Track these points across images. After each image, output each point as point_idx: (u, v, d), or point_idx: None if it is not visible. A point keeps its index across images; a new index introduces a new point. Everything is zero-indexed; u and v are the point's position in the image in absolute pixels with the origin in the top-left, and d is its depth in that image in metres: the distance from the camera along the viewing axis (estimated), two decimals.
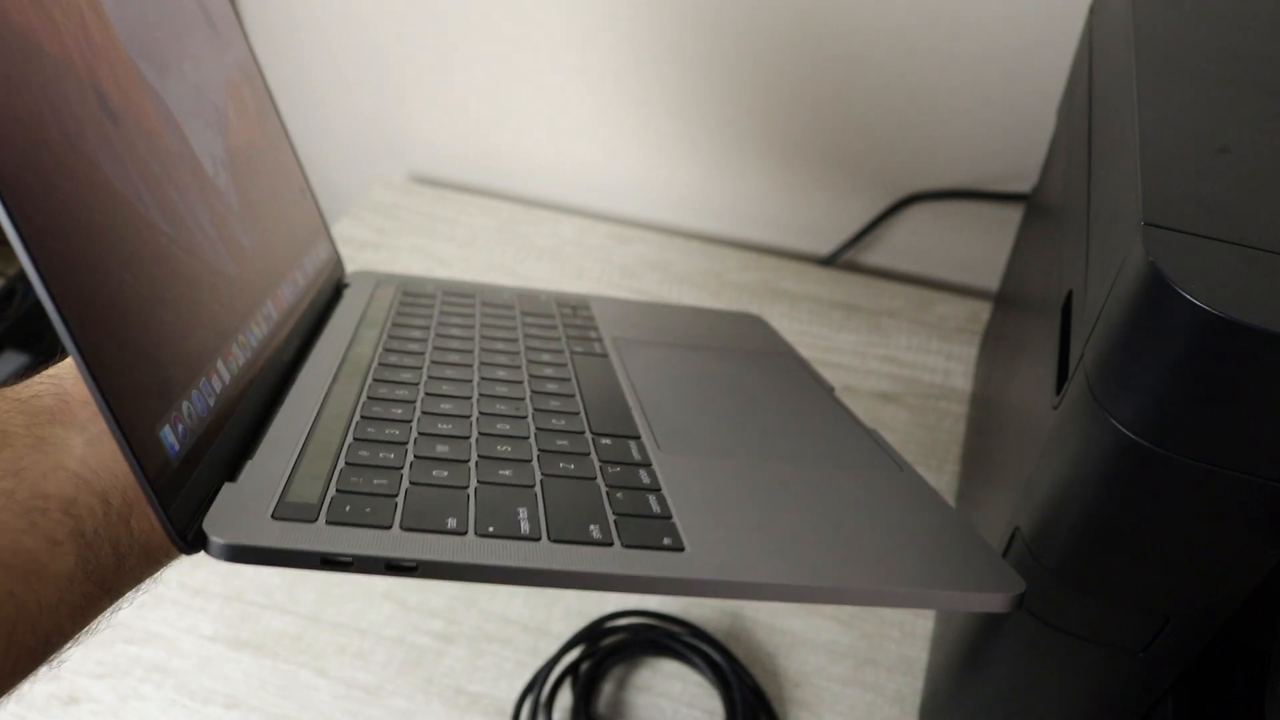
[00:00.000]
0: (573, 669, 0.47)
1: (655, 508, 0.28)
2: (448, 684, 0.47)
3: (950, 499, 0.58)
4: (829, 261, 0.80)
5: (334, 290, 0.44)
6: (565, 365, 0.40)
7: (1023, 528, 0.32)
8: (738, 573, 0.26)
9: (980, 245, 0.76)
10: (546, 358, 0.41)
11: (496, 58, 0.80)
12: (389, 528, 0.25)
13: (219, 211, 0.31)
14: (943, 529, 0.31)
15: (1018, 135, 0.70)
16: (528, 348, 0.42)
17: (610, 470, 0.31)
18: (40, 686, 0.45)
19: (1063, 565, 0.30)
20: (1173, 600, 0.29)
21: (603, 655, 0.47)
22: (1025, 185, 0.72)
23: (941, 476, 0.60)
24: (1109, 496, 0.28)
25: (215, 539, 0.23)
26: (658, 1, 0.73)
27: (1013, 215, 0.74)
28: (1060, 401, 0.30)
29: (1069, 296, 0.33)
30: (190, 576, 0.51)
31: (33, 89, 0.22)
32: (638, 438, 0.34)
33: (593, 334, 0.45)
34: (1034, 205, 0.57)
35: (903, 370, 0.68)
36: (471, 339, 0.42)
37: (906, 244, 0.79)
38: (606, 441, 0.33)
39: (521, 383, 0.37)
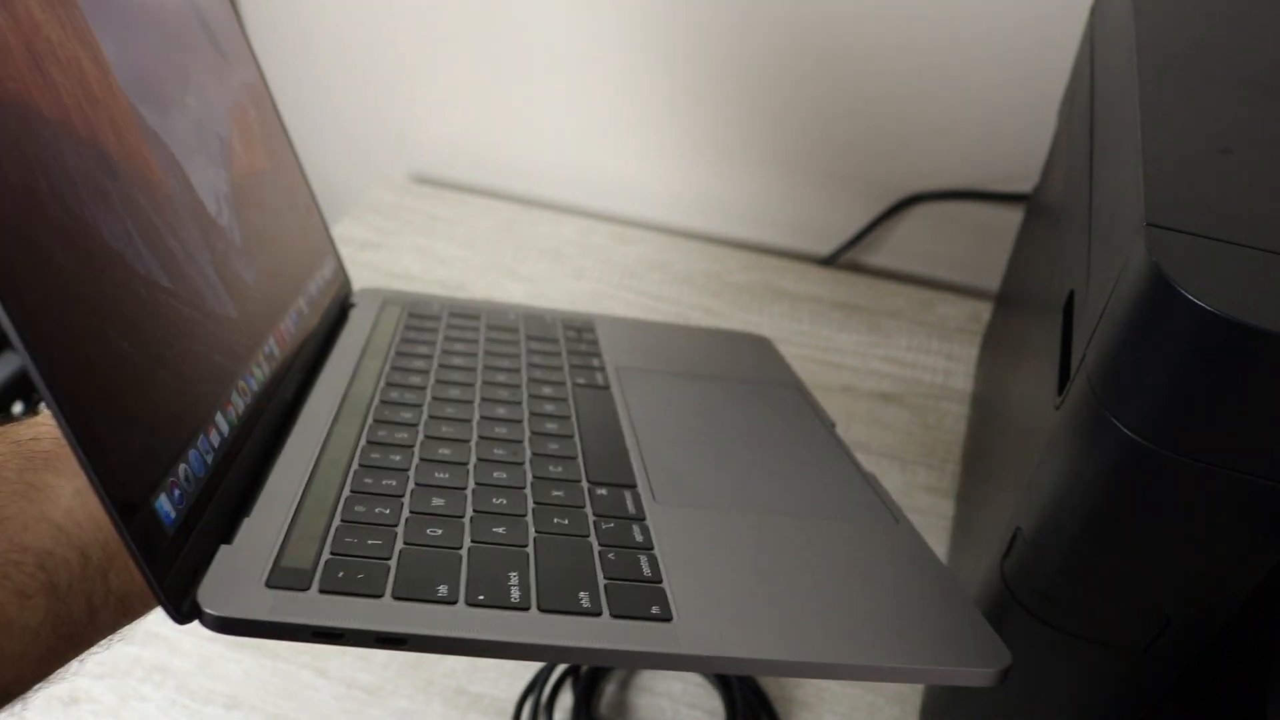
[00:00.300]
0: (573, 669, 0.47)
1: (646, 570, 0.29)
2: (448, 684, 0.47)
3: (951, 499, 0.59)
4: (830, 261, 0.80)
5: (340, 310, 0.43)
6: (566, 400, 0.41)
7: (1024, 528, 0.32)
8: (725, 648, 0.26)
9: (981, 246, 0.76)
10: (548, 391, 0.41)
11: (497, 58, 0.80)
12: (381, 596, 0.25)
13: (221, 251, 0.31)
14: (933, 594, 0.31)
15: (1019, 135, 0.70)
16: (530, 379, 0.42)
17: (604, 526, 0.31)
18: (40, 686, 0.45)
19: (1064, 565, 0.30)
20: (1174, 600, 0.29)
21: None
22: (1026, 185, 0.72)
23: (942, 477, 0.60)
24: (1110, 497, 0.28)
25: (209, 611, 0.23)
26: (658, 2, 0.73)
27: (1014, 215, 0.74)
28: (1062, 402, 0.30)
29: (1070, 297, 0.33)
30: None
31: (29, 161, 0.21)
32: (633, 487, 0.34)
33: (596, 362, 0.46)
34: (1035, 205, 0.57)
35: (903, 370, 0.68)
36: (474, 369, 0.42)
37: (907, 244, 0.79)
38: (602, 492, 0.33)
39: (521, 422, 0.38)
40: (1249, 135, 0.31)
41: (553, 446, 0.36)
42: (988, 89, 0.69)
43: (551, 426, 0.38)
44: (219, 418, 0.28)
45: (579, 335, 0.48)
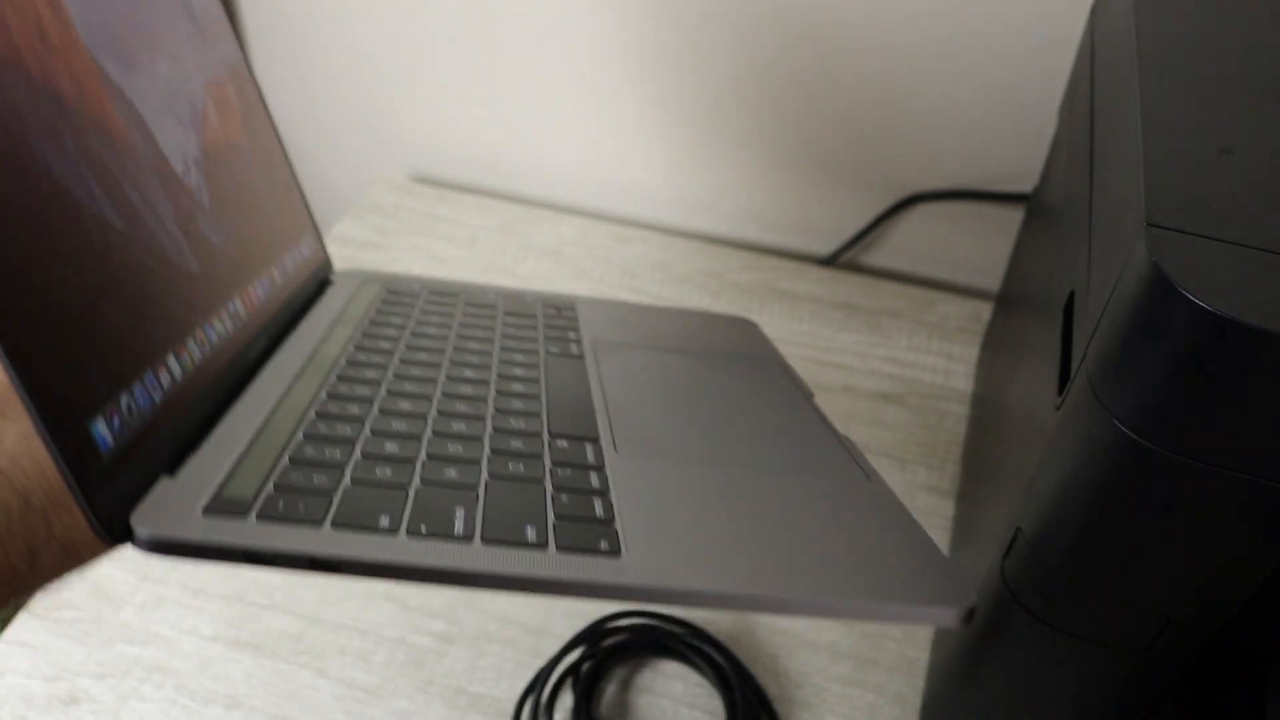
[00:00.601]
0: (574, 669, 0.47)
1: (599, 511, 0.28)
2: (448, 684, 0.47)
3: (951, 500, 0.58)
4: (829, 261, 0.80)
5: (317, 288, 0.43)
6: (536, 366, 0.40)
7: (1024, 528, 0.32)
8: (672, 580, 0.25)
9: (981, 245, 0.76)
10: (519, 358, 0.40)
11: (497, 58, 0.80)
12: (320, 524, 0.25)
13: (185, 208, 0.32)
14: (899, 540, 0.30)
15: (1019, 135, 0.70)
16: (502, 348, 0.41)
17: (560, 472, 0.30)
18: (40, 686, 0.45)
19: (1064, 565, 0.30)
20: (1174, 601, 0.29)
21: (604, 656, 0.47)
22: (1027, 185, 0.72)
23: (942, 476, 0.60)
24: (1111, 497, 0.28)
25: (140, 530, 0.23)
26: (659, 2, 0.73)
27: (1014, 215, 0.74)
28: (1062, 402, 0.30)
29: (1071, 297, 0.33)
30: (191, 577, 0.51)
31: None
32: (595, 440, 0.33)
33: (572, 335, 0.45)
34: (1035, 205, 0.57)
35: (903, 370, 0.68)
36: (446, 339, 0.41)
37: (907, 244, 0.79)
38: (563, 444, 0.33)
39: (487, 383, 0.37)
40: (1249, 135, 0.31)
41: (517, 404, 0.36)
42: (988, 89, 0.69)
43: (519, 388, 0.37)
44: (171, 360, 0.28)
45: (558, 313, 0.47)
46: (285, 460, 0.28)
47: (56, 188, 0.25)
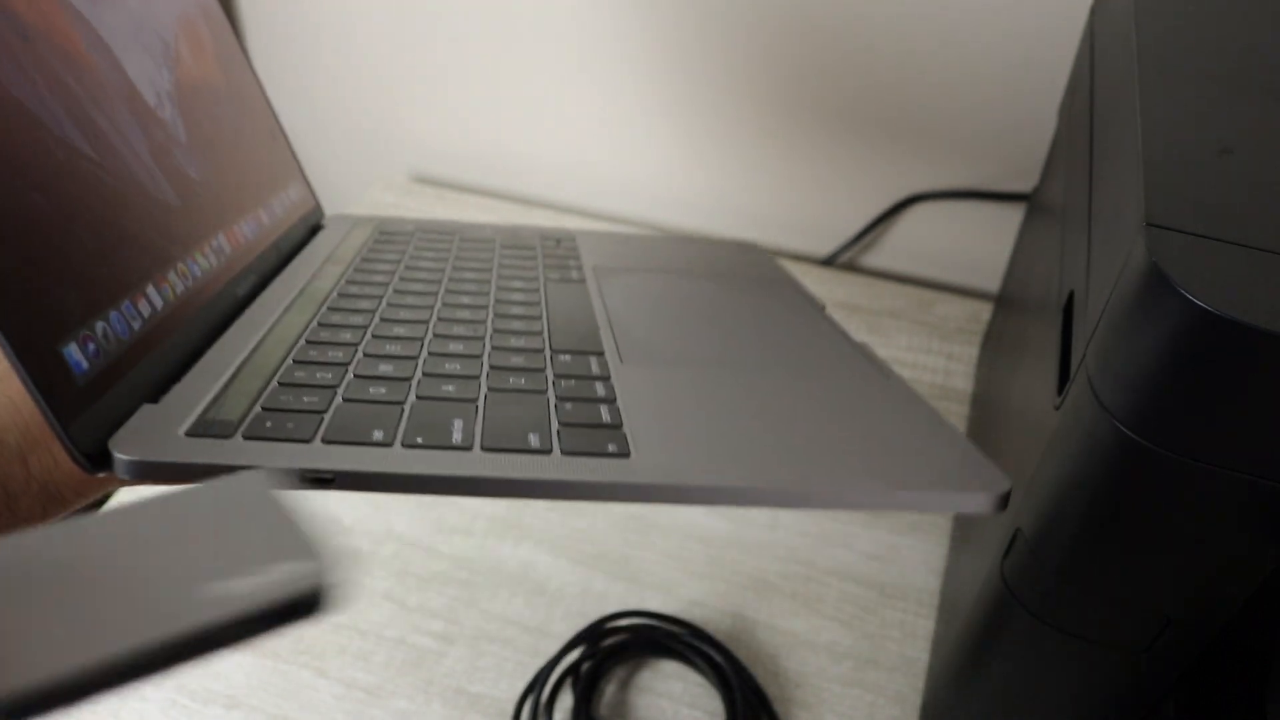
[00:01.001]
0: (573, 669, 0.47)
1: (606, 418, 0.27)
2: (448, 684, 0.47)
3: None
4: (829, 262, 0.80)
5: (308, 233, 0.43)
6: (536, 291, 0.39)
7: (1024, 528, 0.32)
8: (684, 476, 0.24)
9: (981, 245, 0.76)
10: (518, 284, 0.39)
11: (497, 58, 0.80)
12: (310, 441, 0.24)
13: (160, 141, 0.31)
14: (923, 430, 0.29)
15: (1019, 135, 0.70)
16: (500, 276, 0.40)
17: (564, 384, 0.29)
18: None
19: (1064, 565, 0.30)
20: (1174, 600, 0.29)
21: (603, 656, 0.47)
22: (1026, 185, 0.72)
23: None
24: (1110, 497, 0.28)
25: (119, 456, 0.22)
26: (659, 3, 0.73)
27: (1014, 215, 0.74)
28: (1062, 402, 0.30)
29: (1070, 297, 0.33)
30: None
31: None
32: (600, 354, 0.32)
33: (572, 263, 0.44)
34: (1035, 205, 0.57)
35: (903, 370, 0.68)
36: (441, 270, 0.40)
37: (907, 244, 0.79)
38: (566, 358, 0.32)
39: (485, 308, 0.36)
40: (1249, 135, 0.31)
41: (517, 325, 0.35)
42: (988, 88, 0.69)
43: (517, 310, 0.36)
44: (151, 290, 0.28)
45: (558, 244, 0.47)
46: (274, 384, 0.27)
47: (16, 107, 0.24)
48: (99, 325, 0.25)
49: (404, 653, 0.48)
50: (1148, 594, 0.30)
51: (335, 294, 0.36)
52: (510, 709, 0.46)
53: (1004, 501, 0.25)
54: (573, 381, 0.30)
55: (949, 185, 0.75)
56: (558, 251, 0.45)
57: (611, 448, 0.25)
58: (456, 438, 0.25)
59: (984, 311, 0.74)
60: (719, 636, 0.49)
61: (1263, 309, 0.22)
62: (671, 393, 0.29)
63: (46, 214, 0.24)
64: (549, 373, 0.30)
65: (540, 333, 0.34)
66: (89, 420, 0.23)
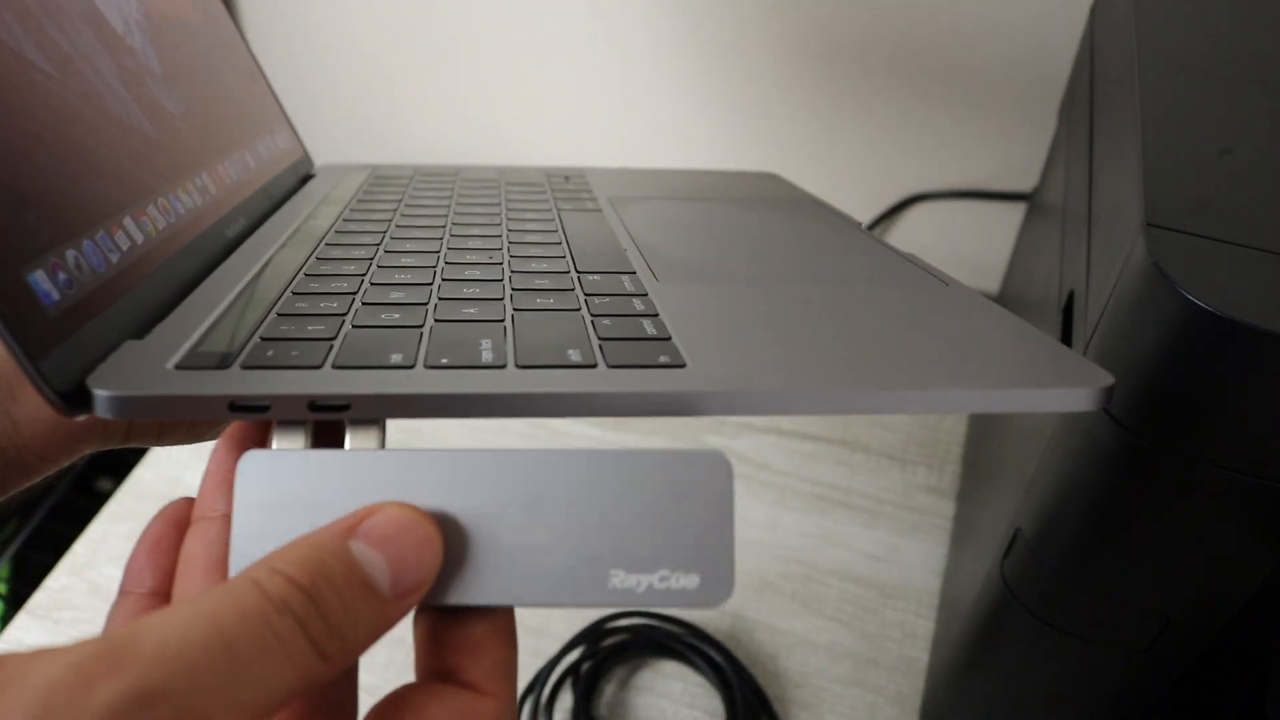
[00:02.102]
0: (573, 669, 0.47)
1: (650, 331, 0.24)
2: None
3: (951, 500, 0.58)
4: None
5: (299, 181, 0.42)
6: (552, 220, 0.36)
7: (1024, 528, 0.32)
8: (753, 382, 0.21)
9: (981, 245, 0.76)
10: (530, 215, 0.37)
11: (498, 59, 0.80)
12: (318, 368, 0.21)
13: (131, 69, 0.30)
14: (1002, 330, 0.25)
15: (1019, 135, 0.70)
16: (510, 209, 0.38)
17: (597, 301, 0.27)
18: None
19: (1064, 565, 0.30)
20: (1174, 601, 0.29)
21: (603, 656, 0.47)
22: (1026, 185, 0.72)
23: (943, 477, 0.60)
24: (1110, 497, 0.28)
25: (99, 392, 0.20)
26: (659, 4, 0.73)
27: (1014, 215, 0.74)
28: None
29: (1070, 297, 0.33)
30: None
31: None
32: (632, 273, 0.29)
33: (586, 195, 0.41)
34: (1035, 205, 0.57)
35: None
36: (446, 205, 0.38)
37: (907, 244, 0.79)
38: (595, 278, 0.29)
39: (499, 236, 0.33)
40: (1249, 135, 0.31)
41: (535, 251, 0.32)
42: (988, 89, 0.69)
43: (534, 238, 0.33)
44: (129, 222, 0.27)
45: (566, 180, 0.44)
46: (273, 315, 0.25)
47: None
48: (69, 254, 0.23)
49: (404, 653, 0.48)
50: (1147, 594, 0.30)
51: (333, 231, 0.33)
52: None
53: (1107, 396, 0.21)
54: (607, 299, 0.27)
55: (949, 185, 0.75)
56: (568, 187, 0.43)
57: (664, 359, 0.22)
58: (487, 357, 0.22)
59: None
60: (719, 636, 0.49)
61: (1263, 309, 0.22)
62: (718, 307, 0.27)
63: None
64: (579, 292, 0.27)
65: (563, 256, 0.31)
66: (63, 356, 0.21)
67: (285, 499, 0.19)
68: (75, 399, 0.20)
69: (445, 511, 0.19)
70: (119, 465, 0.68)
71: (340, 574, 0.17)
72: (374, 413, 0.20)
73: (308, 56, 0.84)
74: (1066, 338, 0.32)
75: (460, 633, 0.19)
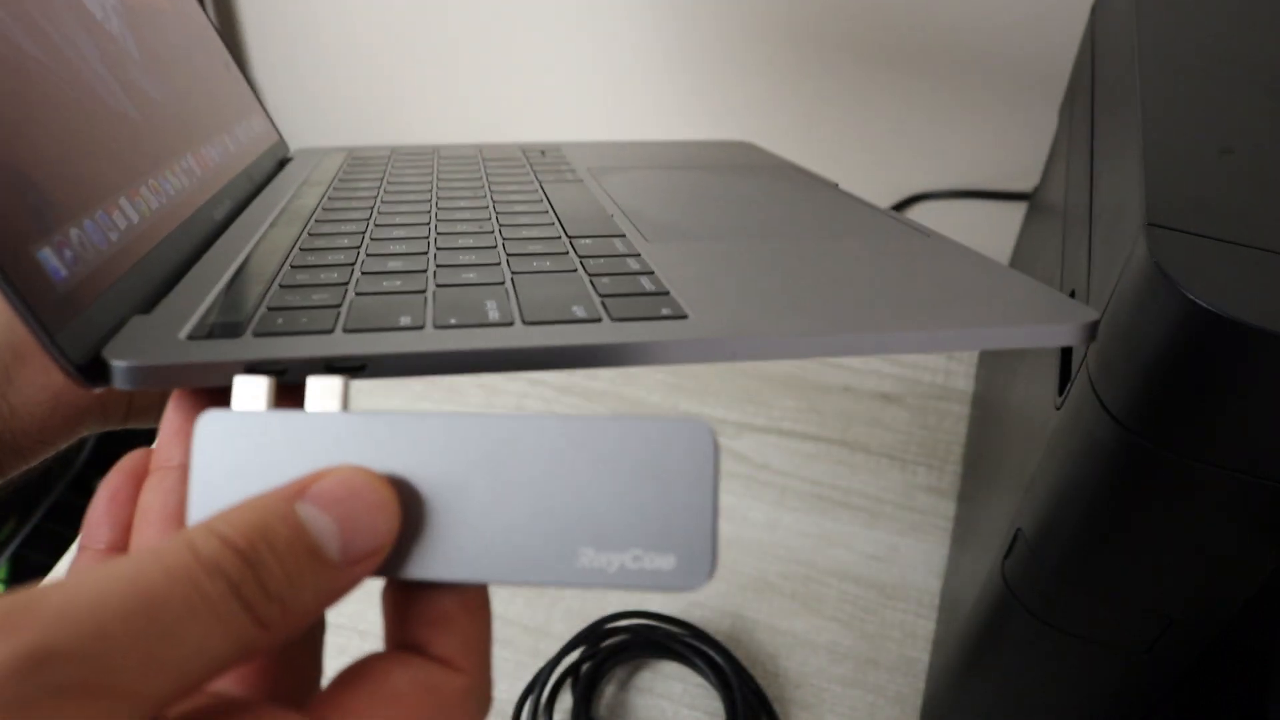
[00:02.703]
0: (573, 670, 0.47)
1: (649, 287, 0.25)
2: None
3: (952, 500, 0.58)
4: None
5: (277, 165, 0.42)
6: (536, 192, 0.37)
7: (1025, 528, 0.32)
8: (753, 328, 0.22)
9: (983, 245, 0.76)
10: (514, 188, 0.38)
11: (499, 58, 0.80)
12: (330, 332, 0.22)
13: (112, 54, 0.31)
14: (985, 273, 0.27)
15: (1019, 135, 0.70)
16: (492, 183, 0.38)
17: (592, 262, 0.27)
18: None
19: (1065, 566, 0.30)
20: (1175, 601, 0.29)
21: (603, 656, 0.47)
22: (1027, 185, 0.72)
23: (943, 477, 0.60)
24: (1111, 497, 0.28)
25: (116, 363, 0.20)
26: (659, 6, 0.73)
27: (1014, 215, 0.74)
28: (1063, 402, 0.30)
29: (1072, 296, 0.33)
30: None
31: None
32: (622, 235, 0.30)
33: (565, 168, 0.42)
34: (1036, 205, 0.57)
35: (904, 371, 0.68)
36: (428, 181, 0.39)
37: None
38: (586, 242, 0.30)
39: (486, 208, 0.34)
40: (1250, 135, 0.31)
41: (523, 220, 0.32)
42: (988, 89, 0.69)
43: (521, 209, 0.34)
44: (124, 203, 0.27)
45: (543, 155, 0.45)
46: (275, 287, 0.25)
47: None
48: (73, 232, 0.23)
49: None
50: (1148, 594, 0.30)
51: (320, 209, 0.34)
52: (510, 709, 0.46)
53: (1092, 331, 0.22)
54: (602, 259, 0.28)
55: (950, 185, 0.75)
56: (545, 161, 0.43)
57: (665, 311, 0.23)
58: (494, 315, 0.23)
59: None
60: (719, 637, 0.49)
61: (1264, 309, 0.22)
62: (710, 262, 0.28)
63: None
64: (573, 256, 0.28)
65: (552, 224, 0.32)
66: (77, 330, 0.21)
67: (241, 460, 0.18)
68: (93, 371, 0.21)
69: (406, 479, 0.18)
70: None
71: (284, 537, 0.16)
72: (390, 372, 0.21)
73: (308, 56, 0.84)
74: None
75: (428, 605, 0.18)
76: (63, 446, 0.25)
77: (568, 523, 0.18)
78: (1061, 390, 0.31)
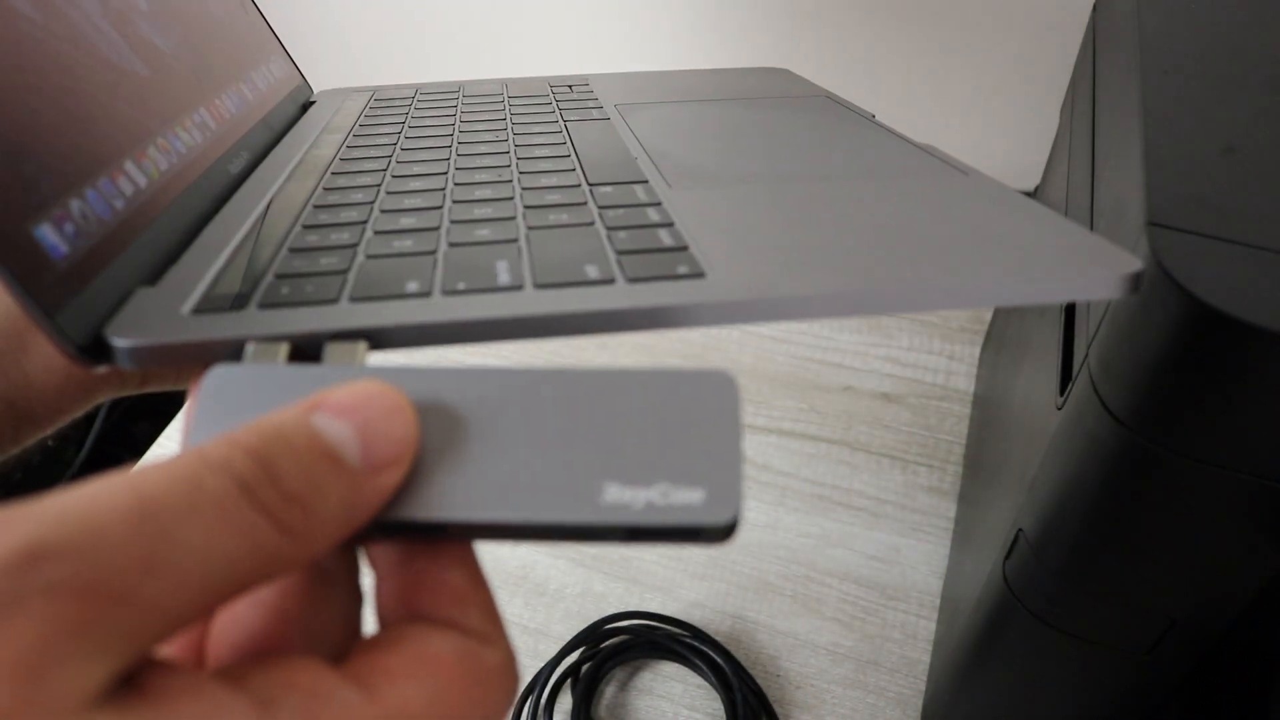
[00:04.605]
0: (573, 671, 0.47)
1: (668, 241, 0.24)
2: None
3: (953, 500, 0.58)
4: None
5: (299, 110, 0.41)
6: (560, 133, 0.36)
7: (1026, 529, 0.32)
8: (773, 288, 0.21)
9: None
10: (537, 129, 0.37)
11: (497, 57, 0.80)
12: (336, 302, 0.21)
13: (117, 8, 0.29)
14: (1024, 218, 0.25)
15: (1019, 135, 0.70)
16: (515, 124, 0.38)
17: (611, 214, 0.27)
18: None
19: (1067, 566, 0.30)
20: (1178, 602, 0.29)
21: (603, 657, 0.47)
22: (1027, 185, 0.72)
23: (944, 477, 0.60)
24: (1113, 497, 0.28)
25: (117, 342, 0.20)
26: (656, 10, 0.73)
27: None
28: (1064, 402, 0.30)
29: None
30: None
31: None
32: (644, 181, 0.30)
33: (591, 104, 0.41)
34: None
35: (905, 371, 0.68)
36: (450, 124, 0.38)
37: None
38: (607, 189, 0.29)
39: (506, 153, 0.34)
40: (1252, 134, 0.30)
41: (544, 165, 0.32)
42: (989, 87, 0.69)
43: (542, 152, 0.34)
44: (131, 166, 0.26)
45: (570, 89, 0.44)
46: (285, 251, 0.25)
47: None
48: (74, 204, 0.23)
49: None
50: (1150, 595, 0.29)
51: (337, 160, 0.34)
52: (510, 710, 0.46)
53: (1135, 282, 0.21)
54: (621, 210, 0.27)
55: None
56: (572, 96, 0.43)
57: (683, 269, 0.22)
58: (504, 279, 0.22)
59: (986, 312, 0.73)
60: (719, 638, 0.49)
61: (1265, 308, 0.22)
62: (734, 210, 0.27)
63: None
64: (592, 206, 0.28)
65: (573, 170, 0.31)
66: (78, 308, 0.21)
67: (250, 416, 0.17)
68: (93, 351, 0.20)
69: (423, 424, 0.18)
70: (129, 451, 0.68)
71: (301, 440, 0.15)
72: (392, 344, 0.20)
73: (308, 56, 0.84)
74: (1069, 337, 0.32)
75: (443, 584, 0.18)
76: (79, 414, 0.25)
77: (591, 461, 0.17)
78: (1063, 390, 0.31)
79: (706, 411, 0.18)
